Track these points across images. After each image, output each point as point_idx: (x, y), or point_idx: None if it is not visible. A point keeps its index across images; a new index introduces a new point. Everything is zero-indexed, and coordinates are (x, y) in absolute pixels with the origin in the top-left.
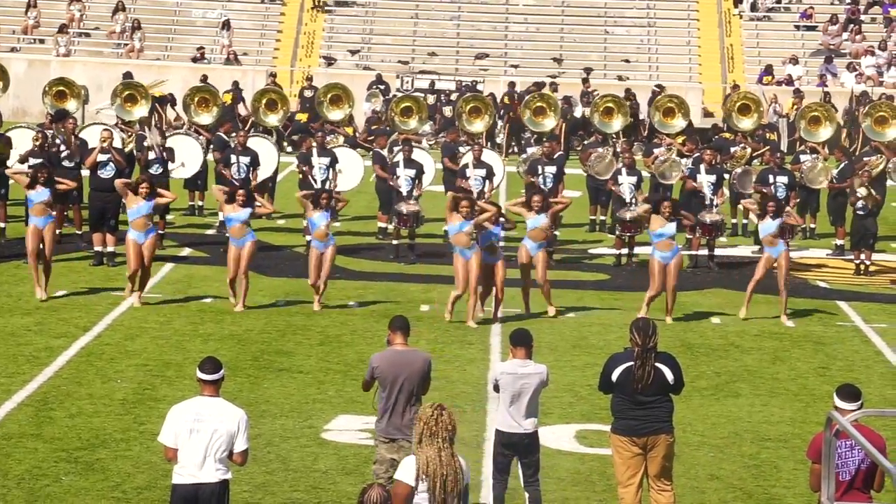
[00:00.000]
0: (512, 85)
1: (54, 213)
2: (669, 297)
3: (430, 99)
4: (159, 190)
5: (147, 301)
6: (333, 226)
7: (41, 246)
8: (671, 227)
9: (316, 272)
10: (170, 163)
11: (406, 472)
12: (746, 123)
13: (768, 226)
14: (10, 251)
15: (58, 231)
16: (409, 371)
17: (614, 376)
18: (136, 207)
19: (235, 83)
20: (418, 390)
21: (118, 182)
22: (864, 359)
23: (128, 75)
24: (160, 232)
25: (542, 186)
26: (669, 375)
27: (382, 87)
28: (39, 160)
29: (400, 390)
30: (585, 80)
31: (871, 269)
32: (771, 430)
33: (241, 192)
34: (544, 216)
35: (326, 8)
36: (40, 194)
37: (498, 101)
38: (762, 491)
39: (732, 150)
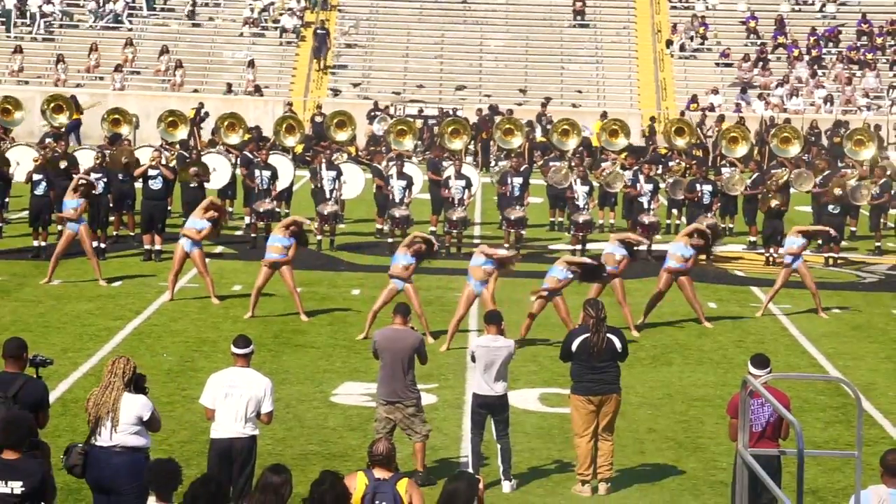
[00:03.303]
0: (480, 111)
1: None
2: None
3: (419, 122)
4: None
5: (187, 291)
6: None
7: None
8: (689, 251)
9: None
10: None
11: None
12: (681, 142)
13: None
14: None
15: (115, 233)
16: (402, 345)
17: (574, 346)
18: (195, 221)
19: (257, 128)
20: (411, 362)
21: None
22: (772, 333)
23: (73, 98)
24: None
25: (511, 194)
26: (619, 344)
27: (379, 113)
28: (100, 174)
29: (394, 361)
30: (544, 106)
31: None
32: (697, 392)
33: (296, 223)
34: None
35: (331, 72)
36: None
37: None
38: (690, 441)
39: (670, 164)
